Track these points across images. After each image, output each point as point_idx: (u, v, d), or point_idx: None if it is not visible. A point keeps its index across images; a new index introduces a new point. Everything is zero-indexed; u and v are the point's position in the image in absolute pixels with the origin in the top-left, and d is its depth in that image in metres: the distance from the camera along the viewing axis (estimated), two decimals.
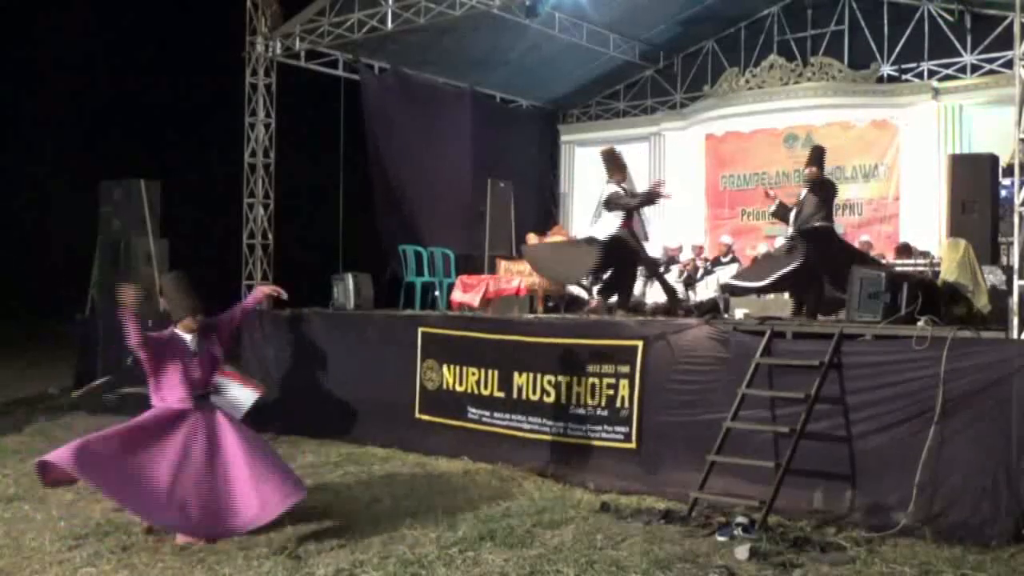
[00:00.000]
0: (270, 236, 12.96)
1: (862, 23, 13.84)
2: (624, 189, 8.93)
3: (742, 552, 5.80)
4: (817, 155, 8.49)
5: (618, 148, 9.40)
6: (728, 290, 8.92)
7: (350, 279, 10.94)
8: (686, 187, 15.07)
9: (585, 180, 15.84)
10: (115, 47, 26.06)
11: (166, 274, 6.44)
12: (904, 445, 6.48)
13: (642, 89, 16.29)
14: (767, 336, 7.19)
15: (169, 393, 6.10)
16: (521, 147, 16.01)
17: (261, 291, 6.96)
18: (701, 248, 13.41)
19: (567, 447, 8.30)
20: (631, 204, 8.78)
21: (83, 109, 25.04)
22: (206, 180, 19.88)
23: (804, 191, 8.43)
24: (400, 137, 13.90)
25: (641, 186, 9.79)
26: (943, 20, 13.18)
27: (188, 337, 6.21)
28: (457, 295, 10.78)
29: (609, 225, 8.76)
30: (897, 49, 13.59)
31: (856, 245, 11.18)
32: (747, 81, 14.41)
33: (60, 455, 5.72)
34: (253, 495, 5.94)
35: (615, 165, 8.94)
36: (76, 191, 16.68)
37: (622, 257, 8.87)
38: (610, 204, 8.76)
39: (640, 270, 9.85)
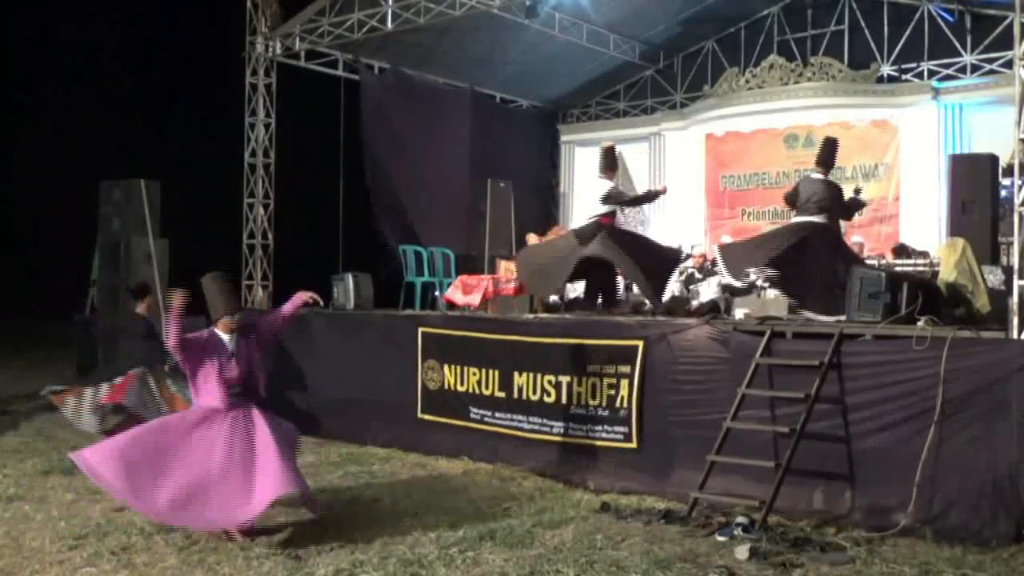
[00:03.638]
0: (270, 236, 12.96)
1: (862, 23, 13.83)
2: (618, 188, 9.09)
3: (742, 552, 5.81)
4: (825, 153, 8.49)
5: (618, 148, 9.46)
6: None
7: (350, 279, 10.93)
8: (686, 187, 15.09)
9: (585, 180, 15.82)
10: (115, 47, 26.08)
11: (207, 275, 6.45)
12: (904, 445, 6.48)
13: (642, 89, 16.28)
14: (767, 336, 7.19)
15: (206, 392, 6.20)
16: (521, 147, 16.00)
17: (300, 297, 6.78)
18: (703, 256, 13.12)
19: (567, 447, 8.30)
20: (623, 200, 9.12)
21: (83, 109, 25.03)
22: (206, 180, 19.87)
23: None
24: (400, 137, 13.89)
25: (639, 187, 9.90)
26: (943, 20, 13.18)
27: (226, 337, 6.29)
28: (457, 296, 10.76)
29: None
30: (897, 49, 13.58)
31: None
32: (747, 81, 14.41)
33: (86, 459, 5.93)
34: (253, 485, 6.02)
35: (611, 163, 9.03)
36: (76, 191, 16.67)
37: (596, 264, 8.95)
38: (609, 199, 8.88)
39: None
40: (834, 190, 8.31)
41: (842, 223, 8.77)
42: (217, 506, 5.90)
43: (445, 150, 14.54)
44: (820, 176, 8.34)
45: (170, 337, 6.05)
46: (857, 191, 8.87)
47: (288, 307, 6.71)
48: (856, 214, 9.48)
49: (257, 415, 6.25)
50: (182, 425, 6.17)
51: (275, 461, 6.04)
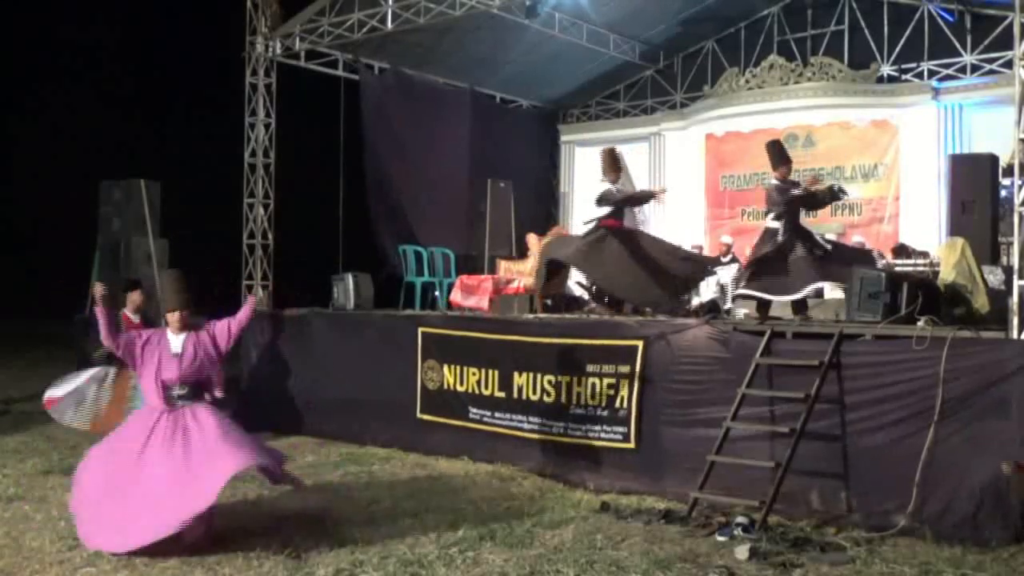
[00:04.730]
0: (270, 236, 12.95)
1: (862, 23, 13.83)
2: (616, 189, 8.99)
3: (742, 552, 5.81)
4: (777, 152, 8.54)
5: (619, 150, 9.42)
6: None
7: (350, 279, 10.94)
8: (686, 187, 15.09)
9: (585, 180, 15.83)
10: (115, 47, 26.11)
11: (167, 270, 6.45)
12: (904, 445, 6.48)
13: (642, 89, 16.28)
14: (767, 336, 7.19)
15: (147, 391, 6.11)
16: (521, 147, 15.99)
17: (252, 302, 6.70)
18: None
19: (567, 447, 8.30)
20: (615, 199, 8.86)
21: (83, 109, 25.05)
22: (206, 180, 19.89)
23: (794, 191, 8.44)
24: (400, 137, 13.89)
25: (639, 187, 9.84)
26: (943, 20, 13.18)
27: (175, 337, 6.15)
28: (458, 296, 10.75)
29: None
30: (897, 49, 13.58)
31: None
32: (747, 81, 14.41)
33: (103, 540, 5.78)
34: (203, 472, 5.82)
35: (613, 165, 9.01)
36: (76, 191, 16.68)
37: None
38: (601, 200, 8.87)
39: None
40: (782, 192, 8.30)
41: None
42: (172, 507, 5.68)
43: (445, 150, 14.53)
44: (774, 181, 8.46)
45: (102, 330, 5.91)
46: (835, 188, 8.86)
47: (243, 315, 6.42)
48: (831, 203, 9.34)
49: (200, 410, 6.05)
50: (127, 448, 5.96)
51: (220, 443, 5.85)
